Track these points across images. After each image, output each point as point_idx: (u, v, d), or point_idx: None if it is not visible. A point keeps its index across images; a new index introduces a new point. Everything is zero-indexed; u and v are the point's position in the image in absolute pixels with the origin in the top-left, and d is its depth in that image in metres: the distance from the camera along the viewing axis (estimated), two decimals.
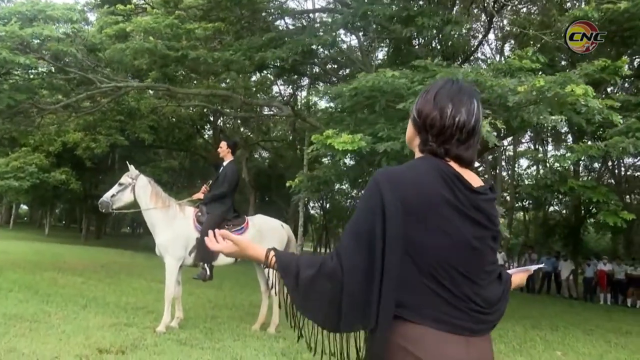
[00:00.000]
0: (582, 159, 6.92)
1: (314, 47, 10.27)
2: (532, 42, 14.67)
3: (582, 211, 19.24)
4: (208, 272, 5.51)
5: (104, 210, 5.65)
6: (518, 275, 1.53)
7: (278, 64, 11.53)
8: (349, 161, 7.65)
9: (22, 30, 8.52)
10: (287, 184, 8.21)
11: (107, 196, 5.60)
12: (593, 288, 16.09)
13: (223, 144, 6.04)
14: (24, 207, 51.06)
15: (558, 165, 7.83)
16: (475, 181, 1.29)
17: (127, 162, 6.16)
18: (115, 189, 5.63)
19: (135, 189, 5.57)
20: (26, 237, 24.43)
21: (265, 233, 5.78)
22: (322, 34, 10.14)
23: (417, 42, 13.85)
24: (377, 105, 6.53)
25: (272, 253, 1.36)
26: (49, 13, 9.31)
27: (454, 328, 1.19)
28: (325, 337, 1.36)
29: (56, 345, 4.27)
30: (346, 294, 1.19)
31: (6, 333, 4.51)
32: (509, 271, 1.48)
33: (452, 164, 1.27)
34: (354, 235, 1.23)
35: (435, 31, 8.63)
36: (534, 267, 1.70)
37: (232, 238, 1.43)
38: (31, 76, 11.01)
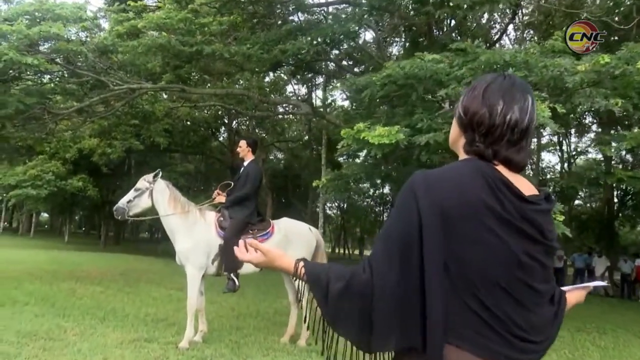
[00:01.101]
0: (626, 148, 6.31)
1: (336, 36, 9.76)
2: (552, 32, 14.08)
3: (616, 204, 18.43)
4: (237, 283, 5.07)
5: (119, 218, 5.25)
6: (574, 294, 1.35)
7: (297, 58, 11.05)
8: (380, 157, 7.14)
9: (29, 30, 8.23)
10: (314, 184, 7.75)
11: (122, 202, 5.21)
12: (631, 285, 15.33)
13: (242, 143, 5.61)
14: (45, 215, 51.71)
15: (601, 155, 7.21)
16: (527, 188, 1.15)
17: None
18: (131, 194, 5.23)
19: (152, 193, 5.18)
20: (46, 245, 24.48)
21: (292, 238, 5.32)
22: (344, 23, 9.61)
23: (436, 33, 13.34)
24: (414, 94, 5.98)
25: (301, 264, 1.26)
26: (57, 12, 9.02)
27: (492, 354, 1.06)
28: (355, 354, 1.24)
29: None
30: (377, 310, 1.10)
31: (18, 355, 4.15)
32: (564, 288, 1.31)
33: (501, 168, 1.14)
34: (387, 246, 1.12)
35: (470, 11, 7.93)
36: (595, 283, 1.46)
37: (261, 248, 1.34)
38: (43, 80, 10.77)
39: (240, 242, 1.36)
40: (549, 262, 1.16)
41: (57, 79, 11.21)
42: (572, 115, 7.79)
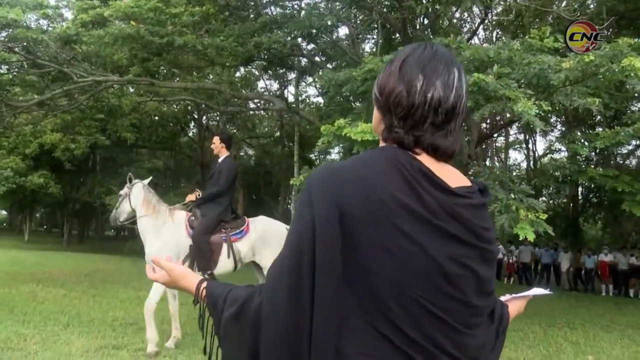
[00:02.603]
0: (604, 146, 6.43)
1: (313, 30, 9.58)
2: (520, 32, 14.34)
3: (580, 201, 19.05)
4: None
5: (113, 225, 5.43)
6: (515, 304, 1.15)
7: (270, 53, 10.81)
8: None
9: None
10: (291, 182, 7.56)
11: (113, 211, 5.39)
12: (592, 279, 15.88)
13: (216, 139, 5.34)
14: (3, 212, 49.57)
15: (576, 154, 7.36)
16: (456, 180, 0.93)
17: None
18: (118, 201, 5.37)
19: (130, 198, 5.20)
20: (4, 244, 23.37)
21: (268, 238, 5.05)
22: (321, 17, 9.44)
23: (410, 32, 13.36)
24: None
25: (203, 285, 1.08)
26: None
27: None
28: None
29: None
30: (264, 342, 0.89)
31: None
32: (502, 298, 1.10)
33: (424, 157, 0.92)
34: (279, 263, 0.91)
35: (449, 5, 7.85)
36: (535, 292, 1.24)
37: (163, 265, 1.15)
38: (1, 71, 10.16)
39: (155, 259, 1.17)
40: (486, 270, 0.92)
41: (16, 69, 10.58)
42: (549, 114, 7.90)
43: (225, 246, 4.95)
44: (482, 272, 0.91)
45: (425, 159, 0.93)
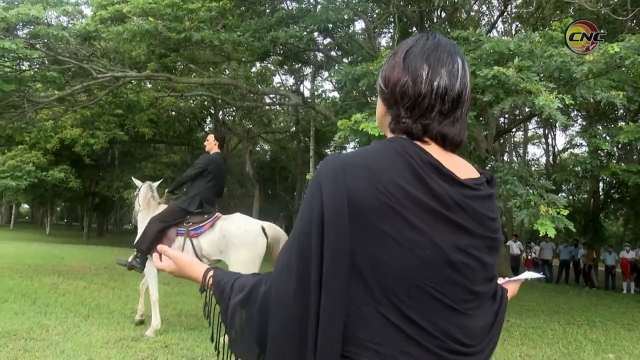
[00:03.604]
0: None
1: (330, 24, 9.51)
2: (540, 25, 14.04)
3: (601, 197, 18.65)
4: (135, 264, 5.04)
5: (134, 223, 5.80)
6: (510, 286, 1.18)
7: (286, 47, 10.78)
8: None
9: (6, 12, 7.80)
10: (307, 177, 7.56)
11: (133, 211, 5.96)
12: (614, 277, 15.56)
13: (210, 137, 5.66)
14: (25, 206, 50.70)
15: (597, 148, 7.18)
16: (464, 171, 0.95)
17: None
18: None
19: (138, 197, 5.72)
20: (27, 237, 23.92)
21: (231, 240, 4.85)
22: (338, 11, 9.36)
23: (427, 25, 13.21)
24: None
25: (210, 274, 1.10)
26: None
27: None
28: None
29: None
30: (272, 330, 0.91)
31: None
32: (498, 281, 1.10)
33: (433, 147, 0.94)
34: (288, 248, 0.92)
35: (446, 2, 7.77)
36: (528, 275, 1.28)
37: (170, 254, 1.17)
38: (22, 67, 10.33)
39: (161, 247, 1.20)
40: (491, 259, 0.95)
41: (37, 65, 10.76)
42: (570, 108, 7.73)
43: (180, 240, 4.97)
44: (487, 261, 0.93)
45: (434, 150, 0.93)
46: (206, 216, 5.06)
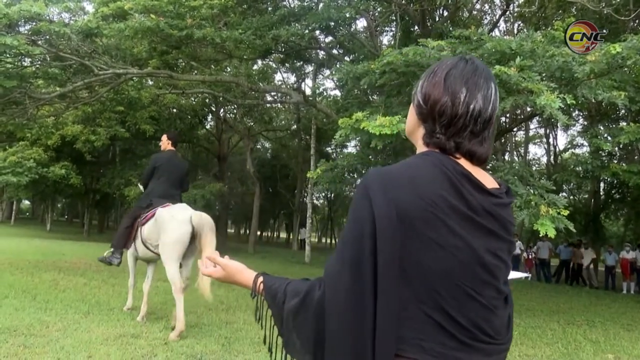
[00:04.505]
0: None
1: (331, 23, 9.49)
2: (542, 24, 13.99)
3: (602, 197, 18.62)
4: (113, 260, 5.54)
5: None
6: None
7: (288, 45, 10.76)
8: (379, 147, 6.98)
9: (8, 8, 7.80)
10: (308, 175, 7.55)
11: None
12: (614, 277, 15.55)
13: (164, 137, 6.03)
14: (26, 202, 50.76)
15: (598, 149, 7.17)
16: (489, 181, 1.06)
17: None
18: None
19: None
20: (27, 233, 23.96)
21: (161, 224, 5.15)
22: (339, 9, 9.34)
23: (429, 24, 13.18)
24: (415, 82, 5.81)
25: (260, 279, 1.19)
26: None
27: None
28: None
29: None
30: (329, 331, 0.99)
31: None
32: None
33: (462, 161, 1.05)
34: (340, 255, 1.01)
35: (448, 1, 7.78)
36: (513, 275, 1.30)
37: (219, 262, 1.26)
38: (24, 63, 10.33)
39: (204, 257, 1.29)
40: (509, 261, 1.08)
41: (39, 62, 10.75)
42: (571, 108, 7.72)
43: (138, 229, 5.48)
44: (508, 262, 1.06)
45: (463, 163, 1.04)
46: (148, 208, 5.45)
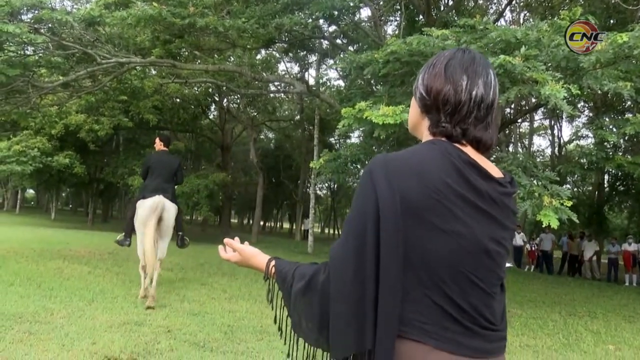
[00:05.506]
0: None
1: (335, 11, 9.40)
2: (549, 14, 13.82)
3: (606, 189, 18.54)
4: (125, 242, 6.41)
5: None
6: None
7: (291, 35, 10.68)
8: (382, 137, 6.97)
9: None
10: (311, 165, 7.54)
11: None
12: (616, 268, 15.54)
13: (156, 140, 6.77)
14: (31, 191, 51.02)
15: (603, 140, 7.11)
16: (494, 171, 1.08)
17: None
18: None
19: None
20: (32, 222, 24.11)
21: (137, 211, 6.12)
22: None
23: (434, 13, 13.04)
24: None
25: (272, 263, 1.26)
26: None
27: (459, 348, 0.99)
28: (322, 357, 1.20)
29: (58, 354, 3.73)
30: (333, 313, 1.03)
31: (2, 339, 3.97)
32: None
33: (468, 149, 1.07)
34: (344, 239, 1.04)
35: None
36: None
37: (236, 247, 1.34)
38: (27, 52, 10.30)
39: (226, 240, 1.39)
40: (509, 248, 1.12)
41: (42, 50, 10.73)
42: (576, 99, 7.66)
43: None
44: (509, 249, 1.10)
45: (469, 151, 1.06)
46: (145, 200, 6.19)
